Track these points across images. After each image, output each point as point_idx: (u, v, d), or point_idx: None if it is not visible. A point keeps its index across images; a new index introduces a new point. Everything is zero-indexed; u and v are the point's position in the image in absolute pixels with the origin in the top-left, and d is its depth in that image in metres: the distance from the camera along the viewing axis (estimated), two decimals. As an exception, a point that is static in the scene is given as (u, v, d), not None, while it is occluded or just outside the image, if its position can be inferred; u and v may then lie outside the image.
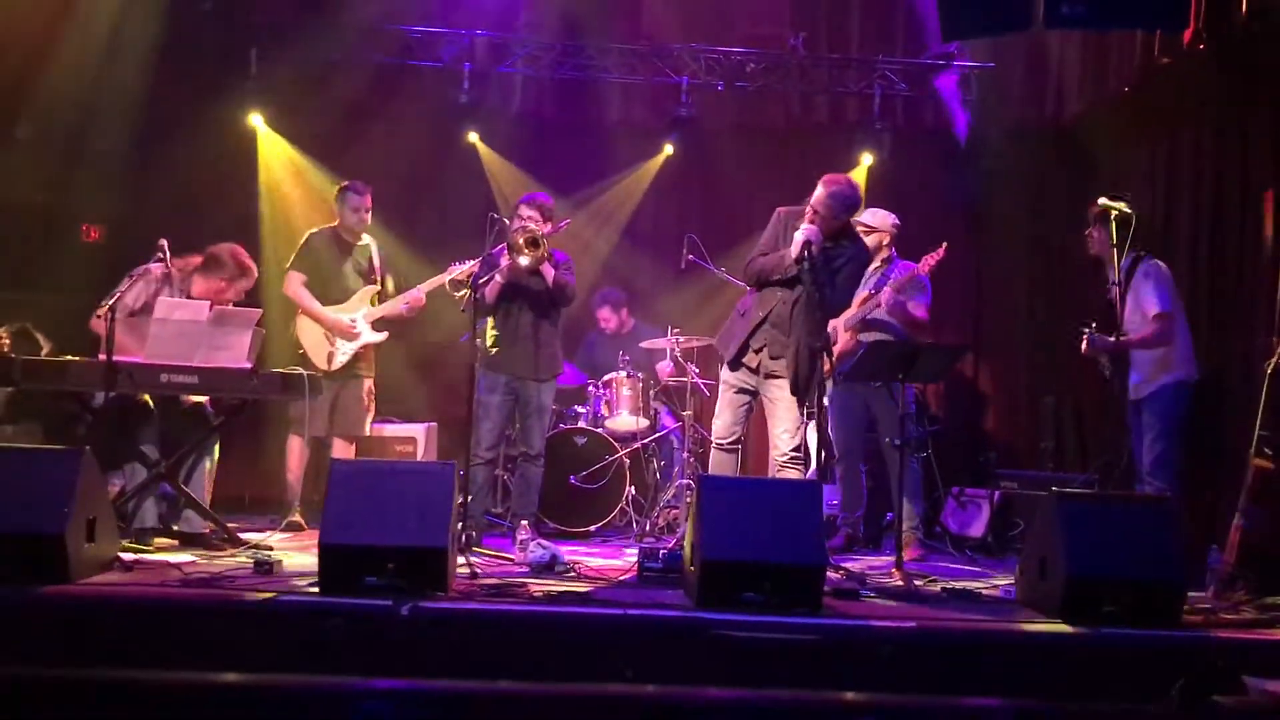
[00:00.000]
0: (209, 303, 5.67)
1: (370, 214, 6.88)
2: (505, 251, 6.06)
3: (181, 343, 5.46)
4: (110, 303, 5.25)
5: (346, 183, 6.92)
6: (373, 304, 6.85)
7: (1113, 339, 5.89)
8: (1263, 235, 6.38)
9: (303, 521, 6.50)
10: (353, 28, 8.11)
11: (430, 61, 8.24)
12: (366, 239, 6.95)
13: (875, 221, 6.69)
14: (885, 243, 6.67)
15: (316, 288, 6.76)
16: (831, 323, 6.46)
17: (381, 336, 6.86)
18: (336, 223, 6.89)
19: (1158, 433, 5.95)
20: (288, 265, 6.87)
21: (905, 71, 8.45)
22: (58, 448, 4.83)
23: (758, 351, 5.66)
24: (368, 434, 7.06)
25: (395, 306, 6.83)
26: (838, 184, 5.60)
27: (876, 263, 6.61)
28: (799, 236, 5.48)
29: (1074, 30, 7.33)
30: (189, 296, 5.89)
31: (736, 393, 5.74)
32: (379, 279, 6.91)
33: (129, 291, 5.69)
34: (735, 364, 5.72)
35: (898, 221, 6.78)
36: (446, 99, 8.26)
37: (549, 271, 6.12)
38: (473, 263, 6.54)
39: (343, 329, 6.70)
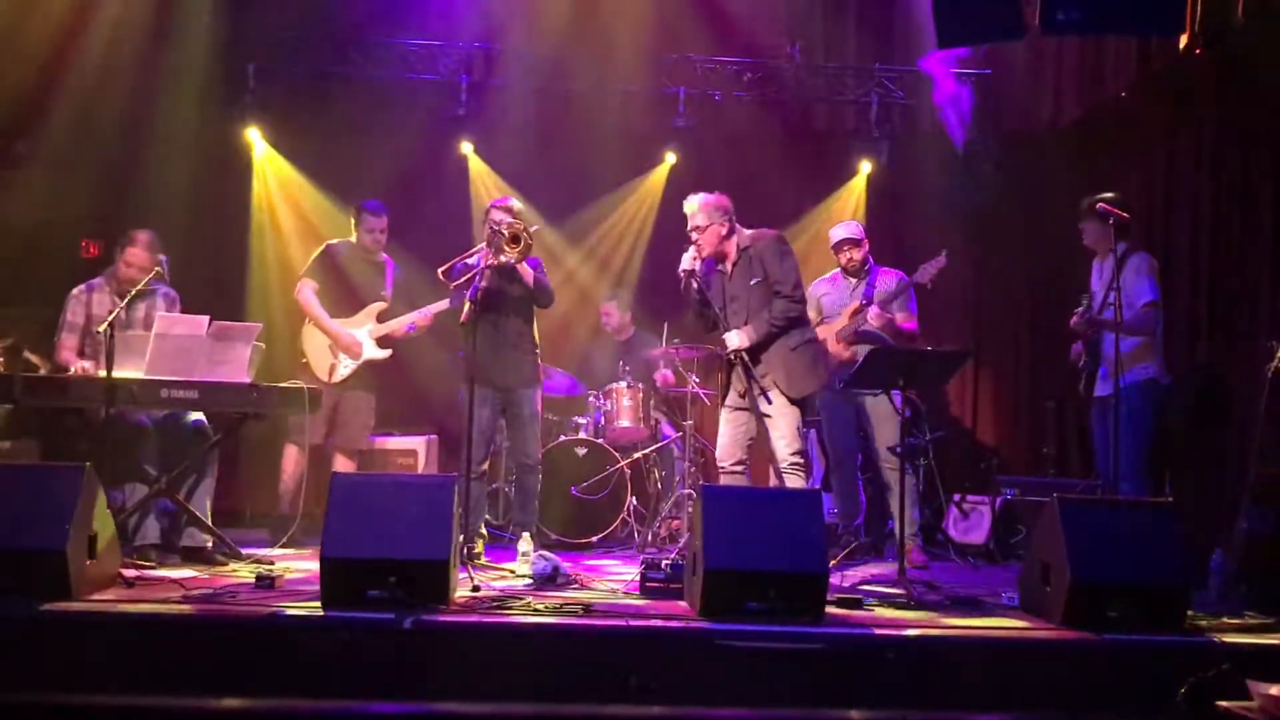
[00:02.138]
0: (208, 317, 5.67)
1: (386, 234, 6.88)
2: (484, 256, 6.03)
3: (181, 358, 5.46)
4: (110, 319, 5.27)
5: (362, 202, 6.91)
6: (379, 321, 6.83)
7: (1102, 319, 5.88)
8: (1262, 238, 6.39)
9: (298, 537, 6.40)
10: (350, 42, 8.13)
11: (428, 74, 8.26)
12: (384, 257, 6.95)
13: (858, 233, 6.75)
14: (866, 252, 6.73)
15: (327, 299, 6.75)
16: (822, 334, 6.54)
17: (385, 354, 6.84)
18: (353, 238, 6.89)
19: (1130, 432, 5.84)
20: (302, 271, 6.88)
21: (902, 79, 8.47)
22: (59, 464, 4.83)
23: (739, 386, 5.79)
24: (364, 447, 7.02)
25: (400, 325, 6.81)
26: (694, 196, 5.87)
27: (861, 273, 6.67)
28: (682, 265, 5.76)
29: (1070, 36, 7.34)
30: (117, 286, 5.91)
31: (734, 410, 5.84)
32: (389, 297, 6.90)
33: (70, 311, 5.88)
34: (725, 392, 5.90)
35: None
36: (444, 112, 8.28)
37: (527, 272, 6.13)
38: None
39: (346, 344, 6.69)
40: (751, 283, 5.75)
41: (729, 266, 5.84)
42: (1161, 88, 6.92)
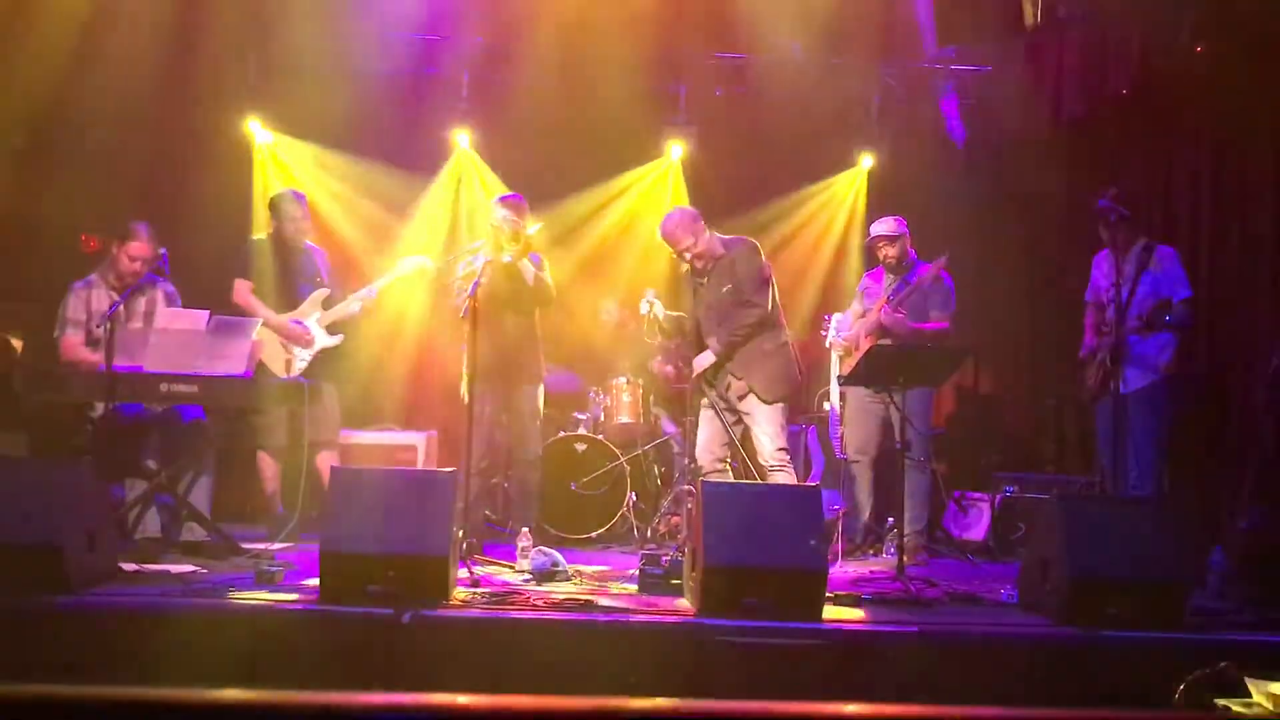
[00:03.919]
0: (208, 312, 5.67)
1: (308, 219, 6.78)
2: (485, 253, 6.04)
3: (181, 352, 5.46)
4: (110, 313, 5.27)
5: (281, 190, 6.85)
6: (324, 309, 6.75)
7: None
8: (1263, 237, 6.39)
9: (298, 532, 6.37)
10: (351, 35, 8.11)
11: (429, 68, 8.25)
12: (309, 245, 6.81)
13: (892, 229, 6.67)
14: (905, 248, 6.67)
15: (265, 295, 6.60)
16: (854, 328, 6.68)
17: (336, 340, 6.67)
18: (271, 230, 6.73)
19: (1148, 432, 5.87)
20: (235, 274, 6.64)
21: (904, 76, 8.46)
22: (59, 458, 4.84)
23: (711, 383, 6.09)
24: (337, 439, 6.89)
25: (348, 308, 6.69)
26: (663, 223, 6.16)
27: (895, 274, 6.64)
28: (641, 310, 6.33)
29: (1070, 33, 7.34)
30: (117, 281, 5.94)
31: (709, 410, 6.12)
32: (326, 283, 6.75)
33: (71, 307, 5.85)
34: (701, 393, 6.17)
35: (904, 221, 6.81)
36: (444, 106, 8.27)
37: (528, 271, 6.14)
38: (420, 258, 6.67)
39: (297, 335, 6.59)
40: (723, 290, 6.00)
41: (705, 278, 6.08)
42: (1162, 86, 6.90)
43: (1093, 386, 6.19)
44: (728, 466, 6.13)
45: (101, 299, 5.92)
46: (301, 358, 6.60)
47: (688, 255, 6.03)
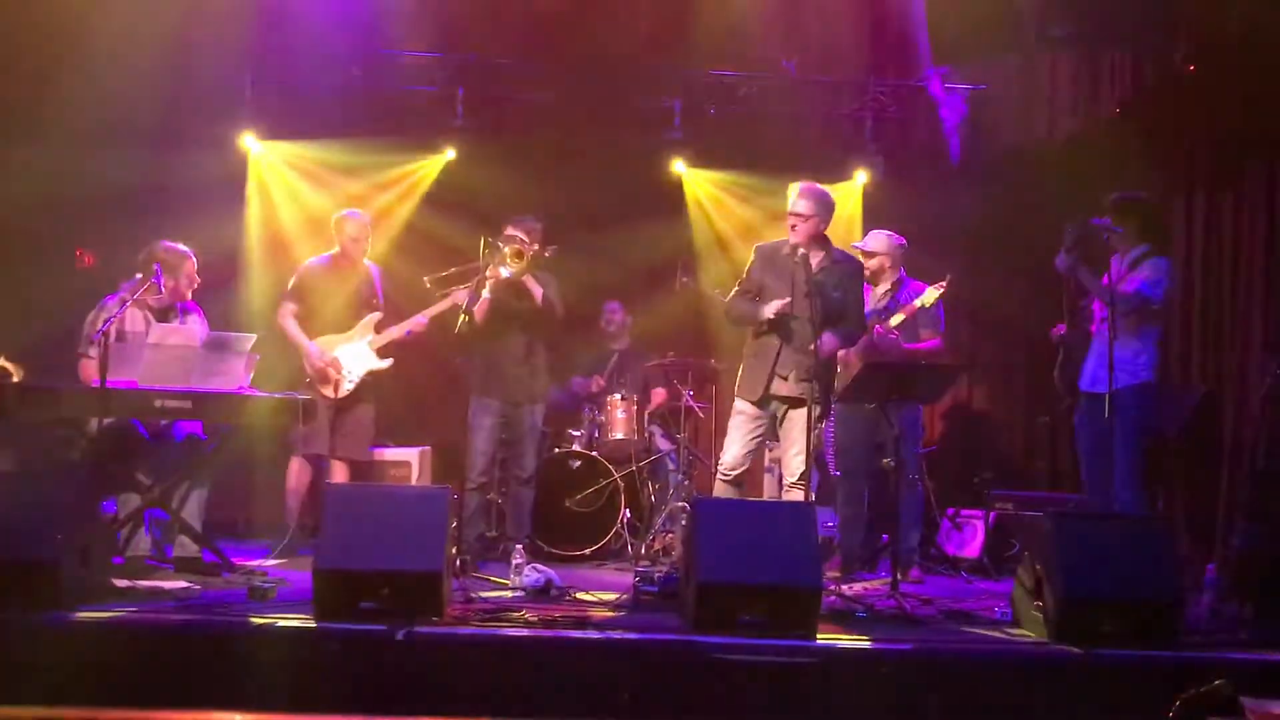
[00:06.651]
0: (202, 328, 5.66)
1: (369, 240, 6.85)
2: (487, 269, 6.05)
3: (175, 368, 5.45)
4: (104, 329, 5.26)
5: (345, 210, 6.88)
6: (376, 331, 6.77)
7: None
8: (1255, 253, 6.41)
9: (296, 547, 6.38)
10: (346, 52, 8.13)
11: (425, 86, 8.26)
12: (367, 264, 6.90)
13: (873, 245, 6.67)
14: (888, 265, 6.65)
15: (315, 317, 6.66)
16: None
17: (386, 363, 6.73)
18: (336, 250, 6.80)
19: (1126, 439, 5.65)
20: (282, 295, 6.76)
21: (898, 93, 8.48)
22: (52, 473, 4.82)
23: (784, 379, 5.58)
24: (363, 459, 6.99)
25: (400, 331, 6.75)
26: (800, 184, 5.78)
27: (886, 285, 6.62)
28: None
29: (1065, 51, 7.38)
30: (154, 307, 5.96)
31: (755, 424, 5.68)
32: (381, 305, 6.84)
33: (92, 321, 5.78)
34: (765, 400, 5.63)
35: (902, 241, 6.72)
36: (441, 123, 8.28)
37: (536, 289, 6.15)
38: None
39: (320, 370, 6.54)
40: (834, 294, 5.64)
41: (818, 272, 5.63)
42: (1157, 102, 6.94)
43: (1057, 378, 6.14)
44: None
45: (136, 319, 5.89)
46: (350, 380, 6.61)
47: (793, 221, 5.68)
